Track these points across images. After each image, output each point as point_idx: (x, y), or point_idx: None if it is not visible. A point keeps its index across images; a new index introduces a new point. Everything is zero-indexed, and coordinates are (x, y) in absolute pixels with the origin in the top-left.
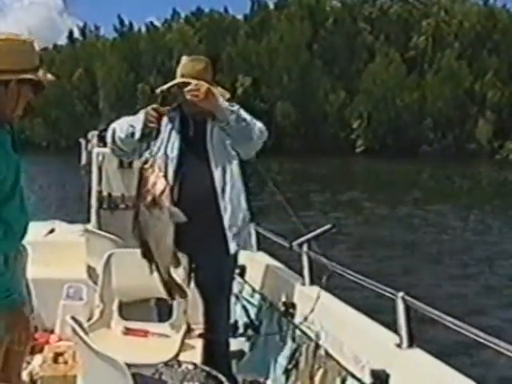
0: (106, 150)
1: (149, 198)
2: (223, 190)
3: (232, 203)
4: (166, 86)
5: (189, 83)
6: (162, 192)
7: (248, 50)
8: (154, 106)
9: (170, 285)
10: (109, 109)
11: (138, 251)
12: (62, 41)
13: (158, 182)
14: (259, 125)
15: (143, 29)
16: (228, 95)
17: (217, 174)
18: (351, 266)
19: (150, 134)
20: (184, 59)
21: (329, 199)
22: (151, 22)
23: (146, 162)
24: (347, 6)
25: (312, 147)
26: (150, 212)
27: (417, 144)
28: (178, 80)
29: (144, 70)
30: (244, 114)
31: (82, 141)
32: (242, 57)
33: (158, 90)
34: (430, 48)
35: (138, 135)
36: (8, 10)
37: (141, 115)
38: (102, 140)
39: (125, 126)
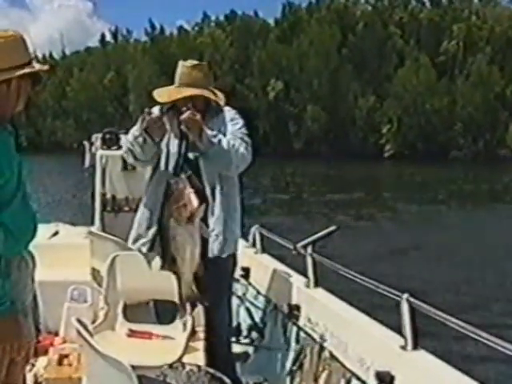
0: (110, 153)
1: (184, 214)
2: (213, 192)
3: (222, 206)
4: (175, 98)
5: (190, 97)
6: (199, 206)
7: (278, 54)
8: (147, 110)
9: (189, 299)
10: (139, 111)
11: (141, 254)
12: (92, 43)
13: (192, 198)
14: (240, 153)
15: (174, 32)
16: (223, 101)
17: (207, 176)
18: (386, 275)
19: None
20: (182, 66)
21: (356, 203)
22: (180, 26)
23: (177, 176)
24: (378, 10)
25: (341, 151)
26: (182, 227)
27: (446, 149)
28: (184, 94)
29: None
30: (224, 147)
31: (86, 143)
32: (273, 61)
33: (160, 99)
34: (461, 53)
35: (149, 140)
36: (38, 12)
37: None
38: (105, 142)
39: (130, 139)
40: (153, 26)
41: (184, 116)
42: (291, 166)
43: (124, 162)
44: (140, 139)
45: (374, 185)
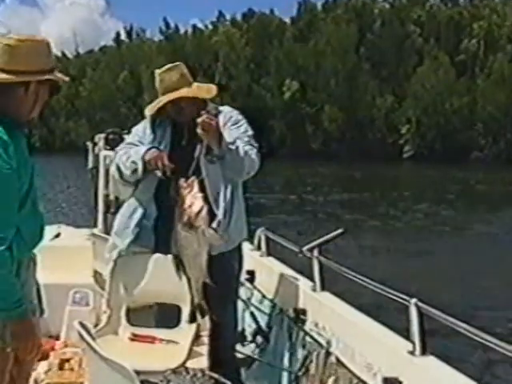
0: (113, 153)
1: (184, 219)
2: (216, 200)
3: (225, 210)
4: (155, 108)
5: (177, 102)
6: (198, 213)
7: (295, 53)
8: (161, 156)
9: (199, 306)
10: None
11: (145, 255)
12: (105, 42)
13: (196, 203)
14: (252, 160)
15: (189, 31)
16: (215, 91)
17: (210, 184)
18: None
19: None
20: (158, 74)
21: (373, 204)
22: (195, 25)
23: (186, 179)
24: (396, 8)
25: (359, 152)
26: (185, 232)
27: (467, 150)
28: (167, 99)
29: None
30: (241, 154)
31: (89, 144)
32: (289, 60)
33: (147, 113)
34: (481, 51)
35: (140, 173)
36: (49, 10)
37: (141, 149)
38: (108, 143)
39: (127, 163)
40: (167, 25)
41: (200, 119)
42: (308, 167)
43: None
44: (132, 166)
45: (392, 186)
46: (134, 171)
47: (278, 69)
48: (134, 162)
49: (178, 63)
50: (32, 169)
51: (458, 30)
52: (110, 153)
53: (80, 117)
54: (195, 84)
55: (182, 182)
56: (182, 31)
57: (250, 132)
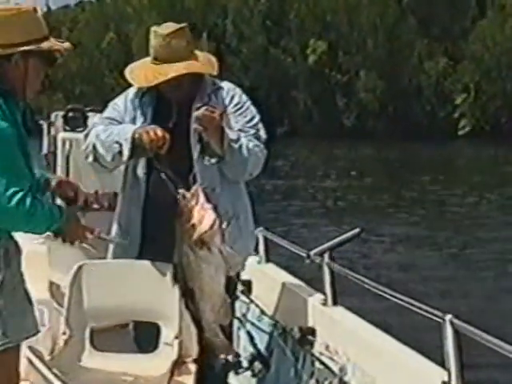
0: (75, 136)
1: (194, 237)
2: (213, 191)
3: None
4: (159, 81)
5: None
6: (211, 228)
7: (322, 7)
8: (153, 127)
9: (213, 345)
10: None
11: (115, 262)
12: None
13: (206, 216)
14: (256, 159)
15: None
16: (216, 67)
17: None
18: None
19: (144, 152)
20: (156, 35)
21: (418, 194)
22: None
23: (187, 189)
24: None
25: (402, 129)
26: (195, 253)
27: None
28: (175, 73)
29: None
30: (244, 153)
31: (44, 123)
32: (315, 16)
33: (140, 84)
34: None
35: (126, 157)
36: None
37: (129, 128)
38: (68, 122)
39: (108, 141)
40: None
41: (199, 112)
42: (338, 149)
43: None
44: (116, 148)
45: (443, 171)
46: (117, 155)
47: (300, 27)
48: (117, 143)
49: (184, 25)
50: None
51: None
52: (71, 135)
53: (54, 90)
54: (201, 54)
55: (183, 192)
56: None
57: (257, 119)
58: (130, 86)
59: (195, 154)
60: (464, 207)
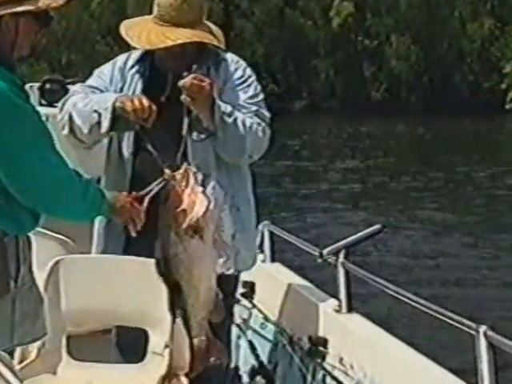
0: (53, 111)
1: (185, 224)
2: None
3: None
4: (157, 47)
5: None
6: (204, 214)
7: None
8: (138, 95)
9: (204, 346)
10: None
11: (97, 257)
12: None
13: (197, 201)
14: (257, 138)
15: None
16: (223, 41)
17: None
18: None
19: (127, 125)
20: None
21: (457, 178)
22: None
23: (176, 169)
24: None
25: (439, 102)
26: (184, 243)
27: None
28: (177, 41)
29: None
30: (240, 129)
31: None
32: None
33: (143, 46)
34: None
35: (105, 129)
36: None
37: (111, 96)
38: (45, 95)
39: (86, 111)
40: None
41: (186, 82)
42: (365, 125)
43: None
44: (94, 118)
45: (490, 151)
46: (95, 126)
47: None
48: (96, 112)
49: None
50: None
51: None
52: (47, 110)
53: (38, 59)
54: (209, 23)
55: (172, 172)
56: None
57: (260, 96)
58: (122, 53)
59: (184, 130)
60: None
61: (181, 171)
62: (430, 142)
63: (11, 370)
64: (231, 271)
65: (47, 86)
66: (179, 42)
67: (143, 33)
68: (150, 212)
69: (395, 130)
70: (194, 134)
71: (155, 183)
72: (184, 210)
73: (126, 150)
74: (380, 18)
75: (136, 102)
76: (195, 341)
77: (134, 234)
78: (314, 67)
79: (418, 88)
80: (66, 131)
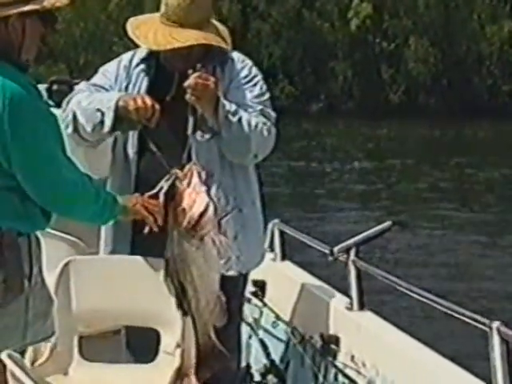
0: (59, 112)
1: (185, 223)
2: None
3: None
4: (165, 48)
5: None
6: (203, 213)
7: None
8: (142, 94)
9: (208, 349)
10: None
11: (107, 258)
12: None
13: (198, 200)
14: (262, 139)
15: None
16: (230, 41)
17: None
18: None
19: (130, 125)
20: None
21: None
22: None
23: (180, 168)
24: None
25: (458, 105)
26: (186, 242)
27: None
28: (186, 43)
29: None
30: (245, 129)
31: None
32: None
33: (150, 46)
34: None
35: (107, 128)
36: None
37: (114, 95)
38: (52, 96)
39: (89, 109)
40: None
41: (191, 81)
42: (383, 127)
43: None
44: (98, 117)
45: (506, 153)
46: (98, 125)
47: None
48: (99, 111)
49: None
50: None
51: None
52: (55, 111)
53: (56, 59)
54: (217, 23)
55: (175, 171)
56: None
57: (266, 96)
58: None
59: (189, 129)
60: None
61: (185, 170)
62: (447, 144)
63: (24, 370)
64: (233, 272)
65: (55, 86)
66: (188, 44)
67: (150, 32)
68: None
69: (413, 133)
70: (199, 135)
71: (164, 180)
72: (184, 210)
73: (131, 150)
74: (398, 20)
75: (139, 102)
76: (200, 343)
77: (155, 229)
78: (331, 69)
79: (436, 90)
80: (70, 130)
